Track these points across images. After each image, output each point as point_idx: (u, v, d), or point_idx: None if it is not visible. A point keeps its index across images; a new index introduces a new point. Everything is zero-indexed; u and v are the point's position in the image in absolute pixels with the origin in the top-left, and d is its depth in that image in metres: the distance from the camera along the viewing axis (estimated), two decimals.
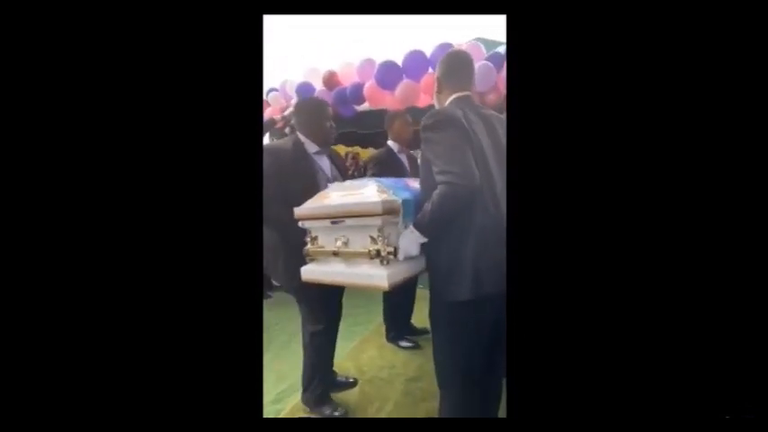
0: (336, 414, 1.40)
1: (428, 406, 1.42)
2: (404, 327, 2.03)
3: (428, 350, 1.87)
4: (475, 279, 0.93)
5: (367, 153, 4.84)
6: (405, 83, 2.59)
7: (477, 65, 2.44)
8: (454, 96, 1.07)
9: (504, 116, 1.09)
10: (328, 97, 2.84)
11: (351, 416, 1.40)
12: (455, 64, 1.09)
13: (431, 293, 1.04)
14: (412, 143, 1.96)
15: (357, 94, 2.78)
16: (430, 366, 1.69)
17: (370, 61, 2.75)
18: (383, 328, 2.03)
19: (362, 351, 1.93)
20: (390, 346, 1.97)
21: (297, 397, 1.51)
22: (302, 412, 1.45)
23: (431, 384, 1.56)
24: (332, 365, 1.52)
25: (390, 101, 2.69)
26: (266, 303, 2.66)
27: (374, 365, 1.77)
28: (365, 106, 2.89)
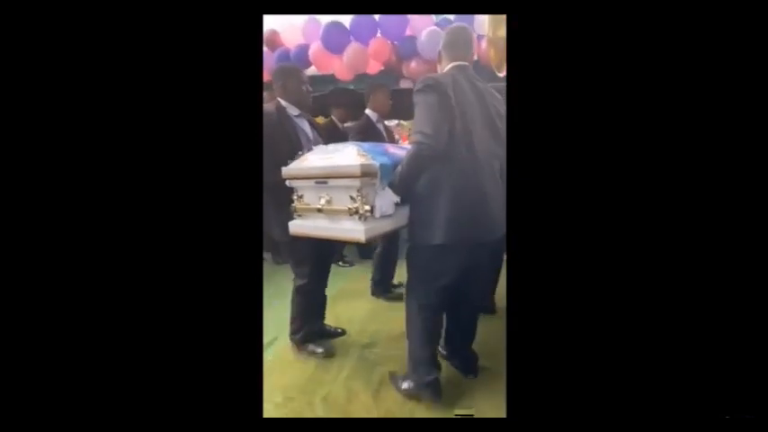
0: (319, 351, 1.58)
1: (383, 369, 1.47)
2: (388, 283, 2.19)
3: (381, 317, 1.95)
4: (447, 227, 1.07)
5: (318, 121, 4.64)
6: (353, 47, 2.46)
7: (424, 31, 2.39)
8: (451, 65, 1.17)
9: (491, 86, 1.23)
10: (270, 59, 2.61)
11: (307, 386, 1.42)
12: (456, 36, 1.20)
13: (408, 239, 1.20)
14: (390, 113, 2.11)
15: (302, 56, 2.59)
16: (385, 332, 1.76)
17: (314, 21, 2.56)
18: (336, 301, 2.05)
19: None
20: (345, 315, 2.00)
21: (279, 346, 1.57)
22: (288, 353, 1.61)
23: (385, 349, 1.63)
24: (319, 317, 1.68)
25: (338, 66, 2.55)
26: None
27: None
28: (312, 70, 2.72)
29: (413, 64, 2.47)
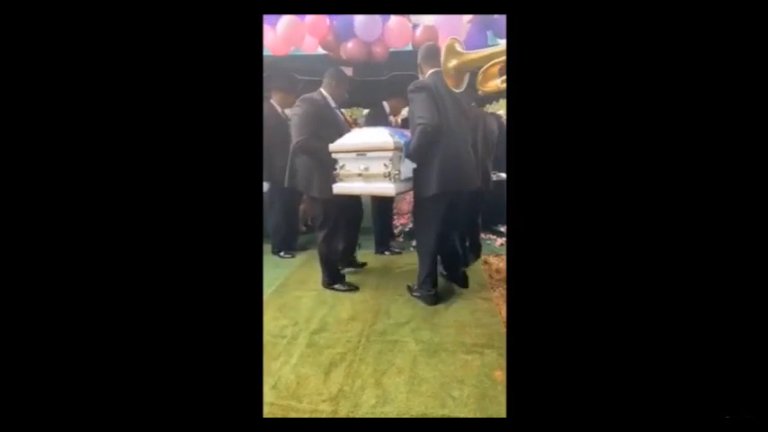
0: (343, 288, 2.08)
1: (332, 352, 1.52)
2: (387, 241, 2.77)
3: (331, 302, 1.98)
4: (438, 181, 1.65)
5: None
6: (287, 18, 2.30)
7: (361, 15, 2.33)
8: (431, 71, 1.71)
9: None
10: None
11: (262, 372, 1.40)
12: (430, 52, 1.74)
13: (414, 195, 1.83)
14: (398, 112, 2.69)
15: None
16: (332, 317, 1.80)
17: None
18: (281, 291, 2.02)
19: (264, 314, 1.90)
20: (292, 304, 1.99)
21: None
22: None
23: (334, 332, 1.67)
24: (338, 260, 2.17)
25: (272, 38, 2.38)
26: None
27: (277, 325, 1.77)
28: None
29: (350, 44, 2.41)
